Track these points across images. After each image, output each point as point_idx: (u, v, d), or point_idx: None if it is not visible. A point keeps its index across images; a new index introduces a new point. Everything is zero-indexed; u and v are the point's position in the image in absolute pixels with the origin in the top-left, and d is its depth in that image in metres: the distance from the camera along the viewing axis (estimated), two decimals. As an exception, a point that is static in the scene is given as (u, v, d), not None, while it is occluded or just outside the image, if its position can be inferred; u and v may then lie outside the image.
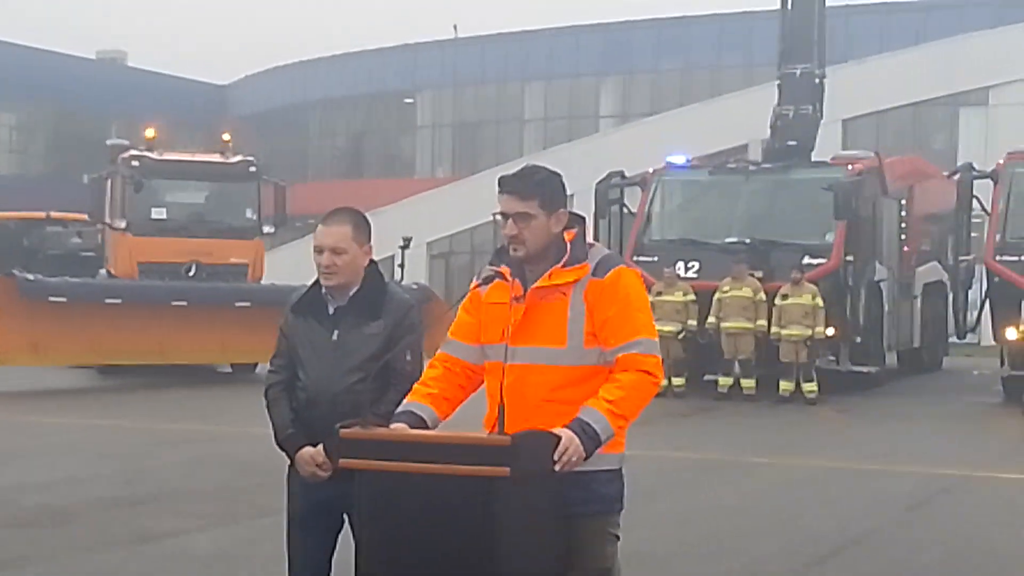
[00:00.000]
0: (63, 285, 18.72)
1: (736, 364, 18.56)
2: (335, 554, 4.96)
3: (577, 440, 4.04)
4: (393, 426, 4.25)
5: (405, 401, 4.40)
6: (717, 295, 18.35)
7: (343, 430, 4.16)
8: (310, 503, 4.88)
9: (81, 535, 8.54)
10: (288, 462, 4.96)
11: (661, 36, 44.89)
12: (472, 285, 4.45)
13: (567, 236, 4.30)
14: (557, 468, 4.01)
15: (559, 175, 4.35)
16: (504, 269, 4.33)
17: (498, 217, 4.30)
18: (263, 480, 10.01)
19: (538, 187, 4.25)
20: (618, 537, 4.35)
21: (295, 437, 4.85)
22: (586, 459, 4.07)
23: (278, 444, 4.93)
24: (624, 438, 4.28)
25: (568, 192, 4.42)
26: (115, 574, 7.64)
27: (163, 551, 8.13)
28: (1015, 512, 10.29)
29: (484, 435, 4.08)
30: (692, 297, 18.54)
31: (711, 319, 18.41)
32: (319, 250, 4.83)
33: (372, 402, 4.48)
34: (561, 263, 4.25)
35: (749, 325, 18.26)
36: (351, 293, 4.88)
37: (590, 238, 4.42)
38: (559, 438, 4.04)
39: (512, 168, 4.45)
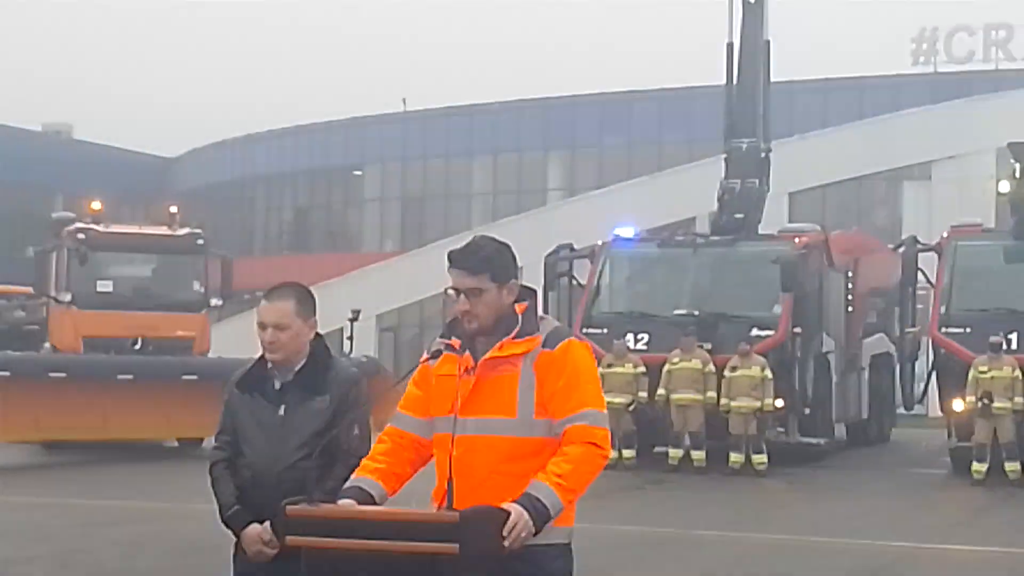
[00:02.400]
0: (6, 359, 18.46)
1: (686, 436, 18.55)
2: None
3: (526, 516, 3.99)
4: (340, 502, 4.19)
5: (353, 476, 4.35)
6: (666, 367, 18.39)
7: (289, 507, 4.09)
8: (256, 582, 4.79)
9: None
10: (234, 541, 4.88)
11: (605, 111, 45.31)
12: (422, 359, 4.42)
13: (518, 308, 4.29)
14: (506, 545, 3.96)
15: (508, 246, 4.34)
16: (455, 341, 4.31)
17: (450, 291, 4.28)
18: (206, 560, 9.81)
19: (488, 262, 4.25)
20: (567, 614, 4.29)
21: (240, 514, 4.78)
22: (535, 535, 4.02)
23: (223, 521, 4.85)
24: (573, 512, 4.24)
25: (517, 265, 4.40)
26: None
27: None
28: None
29: (432, 512, 4.04)
30: (642, 369, 18.54)
31: (660, 391, 18.42)
32: (262, 326, 4.80)
33: (318, 479, 4.43)
34: (512, 335, 4.24)
35: (698, 397, 18.28)
36: (296, 368, 4.83)
37: (540, 311, 4.41)
38: (508, 513, 3.99)
39: (461, 241, 4.44)
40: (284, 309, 4.79)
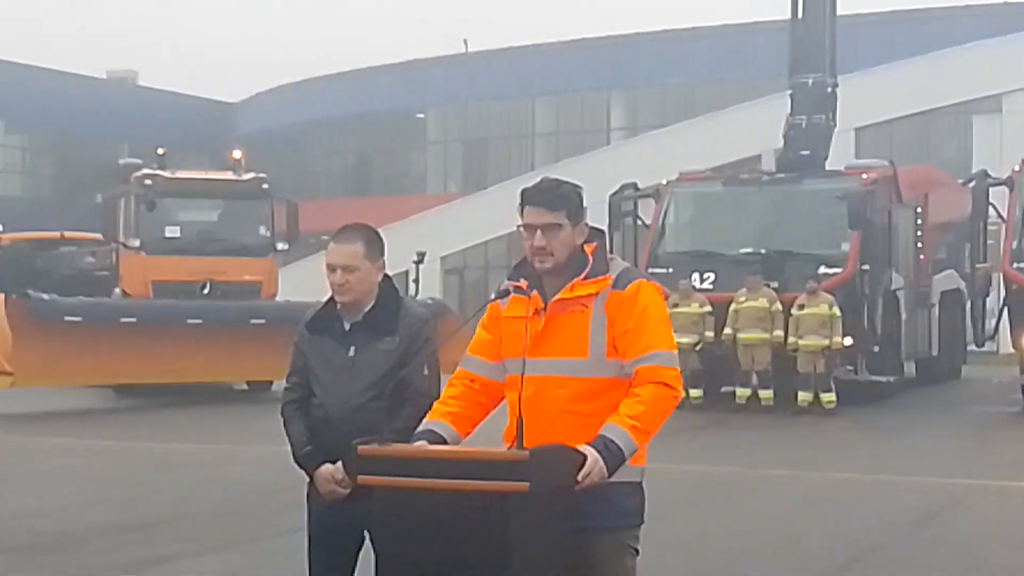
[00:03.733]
0: (77, 305, 18.69)
1: (753, 375, 18.47)
2: (355, 572, 4.91)
3: (601, 460, 4.01)
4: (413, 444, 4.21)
5: (425, 420, 4.37)
6: (733, 306, 18.29)
7: (360, 447, 4.11)
8: (330, 522, 4.84)
9: (85, 561, 8.43)
10: (307, 481, 4.92)
11: (666, 49, 44.89)
12: (490, 300, 4.41)
13: (587, 249, 4.29)
14: (579, 487, 3.98)
15: (580, 187, 4.34)
16: (523, 283, 4.30)
17: (521, 229, 4.27)
18: (275, 500, 9.96)
19: (565, 199, 4.26)
20: (637, 551, 4.30)
21: (313, 454, 4.81)
22: (608, 477, 4.03)
23: (296, 461, 4.90)
24: (645, 451, 4.24)
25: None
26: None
27: (168, 576, 8.04)
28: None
29: (502, 451, 4.03)
30: (708, 309, 18.47)
31: (727, 330, 18.34)
32: (331, 268, 4.81)
33: (388, 419, 4.45)
34: (583, 275, 4.24)
35: (765, 336, 18.18)
36: (365, 309, 4.84)
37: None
38: (581, 455, 4.00)
39: (524, 182, 4.42)
40: (353, 251, 4.79)
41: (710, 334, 18.46)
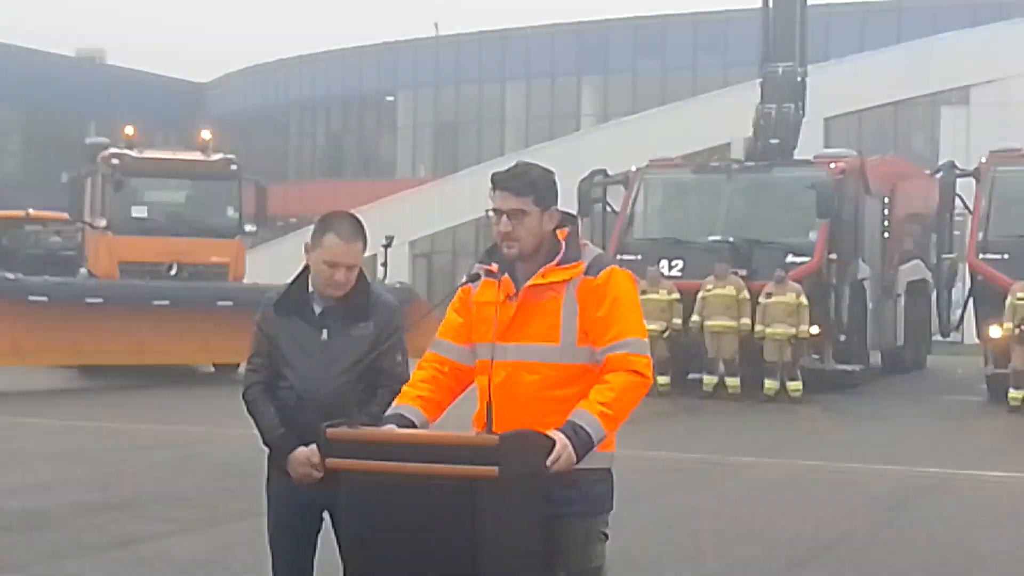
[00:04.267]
0: (43, 285, 18.56)
1: (720, 363, 18.54)
2: (316, 556, 4.90)
3: (570, 446, 4.01)
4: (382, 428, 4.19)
5: (393, 404, 4.36)
6: (700, 294, 18.35)
7: (329, 430, 4.09)
8: (292, 507, 4.82)
9: (56, 541, 8.40)
10: (266, 466, 4.89)
11: (639, 35, 44.91)
12: (461, 283, 4.40)
13: (560, 235, 4.27)
14: (548, 471, 3.98)
15: (552, 173, 4.32)
16: (494, 267, 4.29)
17: (491, 214, 4.26)
18: (243, 482, 9.92)
19: (532, 184, 4.23)
20: (607, 536, 4.31)
21: (287, 437, 4.76)
22: (577, 463, 4.04)
23: (268, 444, 4.84)
24: (614, 438, 4.24)
25: (558, 193, 4.37)
26: (91, 579, 7.53)
27: (140, 556, 8.01)
28: (996, 512, 10.25)
29: (472, 435, 4.03)
30: (676, 296, 18.51)
31: (694, 318, 18.40)
32: (334, 265, 4.71)
33: (362, 403, 4.43)
34: (555, 261, 4.23)
35: (732, 324, 18.24)
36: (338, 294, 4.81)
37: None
38: (550, 440, 4.00)
39: (494, 167, 4.40)
40: (357, 251, 4.75)
41: (678, 321, 18.52)
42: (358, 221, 4.86)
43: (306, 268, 4.87)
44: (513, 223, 4.20)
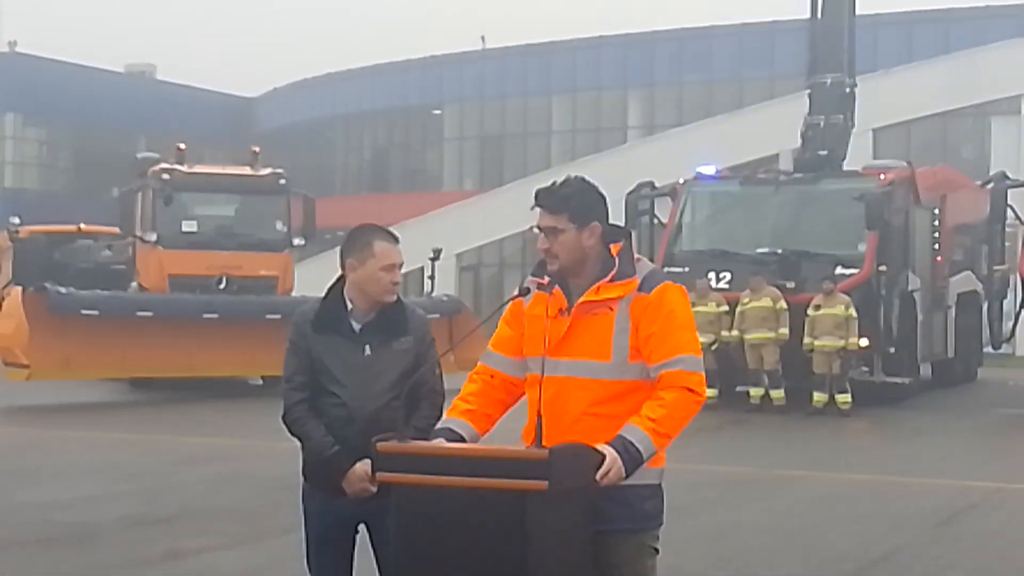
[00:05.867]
0: (94, 299, 18.72)
1: (764, 375, 18.44)
2: (354, 571, 4.93)
3: (619, 461, 4.01)
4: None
5: (444, 417, 4.38)
6: (738, 308, 18.31)
7: (379, 444, 4.10)
8: (330, 522, 4.84)
9: (106, 554, 8.47)
10: (302, 482, 4.90)
11: (684, 47, 44.82)
12: (513, 296, 4.40)
13: (613, 249, 4.25)
14: (597, 487, 3.98)
15: (593, 188, 4.28)
16: (545, 280, 4.28)
17: (535, 229, 4.26)
18: (289, 496, 9.87)
19: (566, 201, 4.20)
20: (657, 551, 4.30)
21: (342, 454, 4.76)
22: (626, 478, 4.03)
23: (321, 462, 4.81)
24: (664, 453, 4.24)
25: (604, 207, 4.33)
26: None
27: (188, 570, 8.06)
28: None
29: (521, 449, 4.02)
30: (725, 308, 18.44)
31: (733, 331, 18.34)
32: (390, 268, 4.79)
33: (407, 416, 4.44)
34: (608, 277, 4.20)
35: (770, 335, 18.18)
36: (376, 309, 4.84)
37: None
38: (600, 454, 3.99)
39: (540, 180, 4.40)
40: (401, 251, 4.89)
41: (726, 333, 18.45)
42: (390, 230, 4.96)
43: (337, 284, 4.88)
44: (550, 240, 4.20)
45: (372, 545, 4.82)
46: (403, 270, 4.97)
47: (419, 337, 4.83)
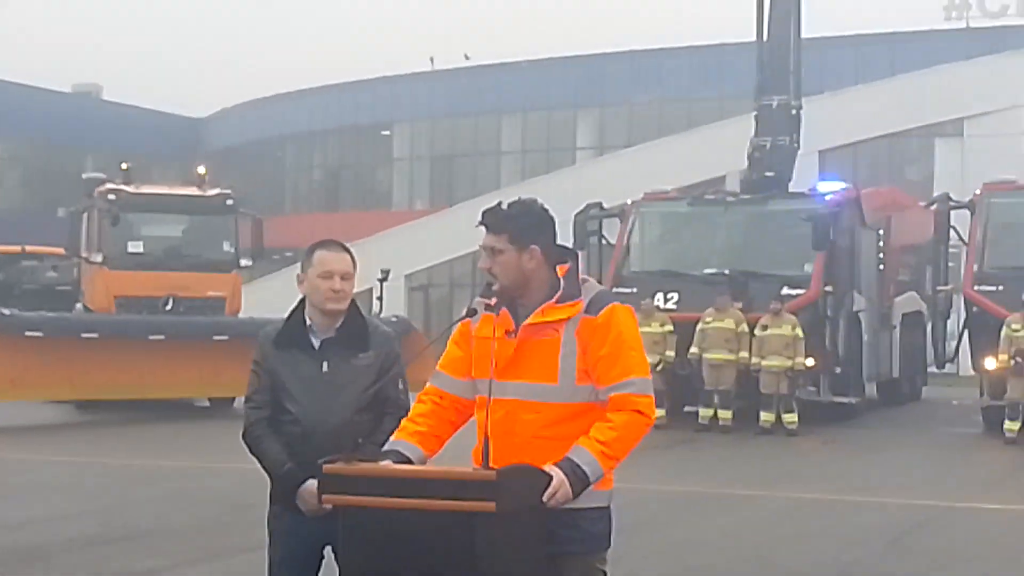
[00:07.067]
0: (39, 320, 18.55)
1: (715, 395, 18.51)
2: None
3: (567, 482, 4.01)
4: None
5: (392, 439, 4.35)
6: (700, 326, 18.34)
7: (326, 465, 4.09)
8: (296, 542, 4.81)
9: (57, 575, 8.37)
10: (268, 502, 4.88)
11: (634, 68, 45.06)
12: (461, 317, 4.40)
13: (560, 271, 4.25)
14: (544, 508, 3.99)
15: (539, 210, 4.25)
16: (492, 301, 4.28)
17: (480, 247, 4.28)
18: (240, 517, 9.92)
19: (507, 221, 4.20)
20: (605, 573, 4.31)
21: (295, 471, 4.75)
22: (573, 499, 4.04)
23: (275, 480, 4.82)
24: (613, 475, 4.24)
25: (549, 229, 4.31)
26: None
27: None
28: (994, 544, 10.24)
29: (469, 470, 4.03)
30: (670, 328, 18.49)
31: (693, 350, 18.38)
32: (328, 275, 4.76)
33: (367, 433, 4.44)
34: (554, 299, 4.20)
35: (732, 357, 18.26)
36: (336, 325, 4.83)
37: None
38: (548, 475, 4.00)
39: (490, 200, 4.40)
40: (348, 260, 4.82)
41: (670, 353, 18.45)
42: (340, 242, 4.92)
43: (301, 303, 4.89)
44: (491, 260, 4.20)
45: (339, 567, 4.79)
46: (356, 289, 4.96)
47: (382, 352, 4.80)
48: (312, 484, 4.64)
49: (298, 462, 4.73)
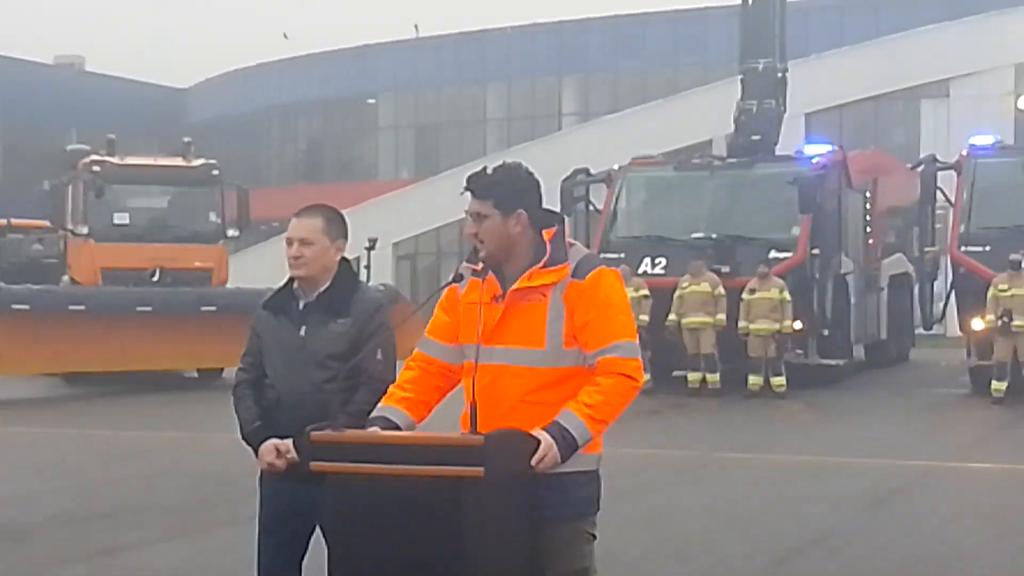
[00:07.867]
0: (25, 293, 18.49)
1: (701, 359, 18.52)
2: (305, 559, 4.89)
3: (555, 446, 4.01)
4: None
5: (379, 405, 4.34)
6: (677, 292, 18.36)
7: (313, 432, 4.08)
8: (280, 508, 4.82)
9: (40, 550, 8.35)
10: (259, 468, 4.89)
11: (618, 34, 44.93)
12: (446, 283, 4.39)
13: (546, 235, 4.23)
14: (532, 471, 3.98)
15: (525, 175, 4.24)
16: (478, 267, 4.27)
17: (466, 213, 4.25)
18: (228, 490, 9.91)
19: (492, 187, 4.19)
20: (594, 537, 4.31)
21: (260, 430, 4.79)
22: (562, 463, 4.04)
23: (243, 438, 4.87)
24: (601, 439, 4.24)
25: (534, 195, 4.30)
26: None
27: (123, 565, 7.98)
28: (980, 504, 10.28)
29: (456, 435, 4.02)
30: (645, 292, 18.35)
31: (672, 316, 18.38)
32: (288, 241, 4.82)
33: (342, 403, 4.42)
34: (541, 264, 4.19)
35: (708, 320, 18.28)
36: (320, 289, 4.82)
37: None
38: (536, 440, 4.00)
39: (475, 168, 4.39)
40: (312, 225, 4.82)
41: (644, 317, 18.07)
42: (323, 206, 4.92)
43: None
44: (476, 225, 4.19)
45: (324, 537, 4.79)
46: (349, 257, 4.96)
47: (361, 320, 4.77)
48: (271, 442, 4.69)
49: (270, 425, 4.76)
